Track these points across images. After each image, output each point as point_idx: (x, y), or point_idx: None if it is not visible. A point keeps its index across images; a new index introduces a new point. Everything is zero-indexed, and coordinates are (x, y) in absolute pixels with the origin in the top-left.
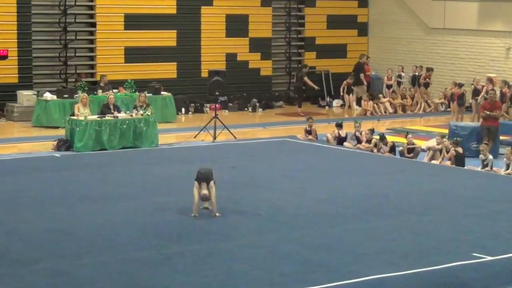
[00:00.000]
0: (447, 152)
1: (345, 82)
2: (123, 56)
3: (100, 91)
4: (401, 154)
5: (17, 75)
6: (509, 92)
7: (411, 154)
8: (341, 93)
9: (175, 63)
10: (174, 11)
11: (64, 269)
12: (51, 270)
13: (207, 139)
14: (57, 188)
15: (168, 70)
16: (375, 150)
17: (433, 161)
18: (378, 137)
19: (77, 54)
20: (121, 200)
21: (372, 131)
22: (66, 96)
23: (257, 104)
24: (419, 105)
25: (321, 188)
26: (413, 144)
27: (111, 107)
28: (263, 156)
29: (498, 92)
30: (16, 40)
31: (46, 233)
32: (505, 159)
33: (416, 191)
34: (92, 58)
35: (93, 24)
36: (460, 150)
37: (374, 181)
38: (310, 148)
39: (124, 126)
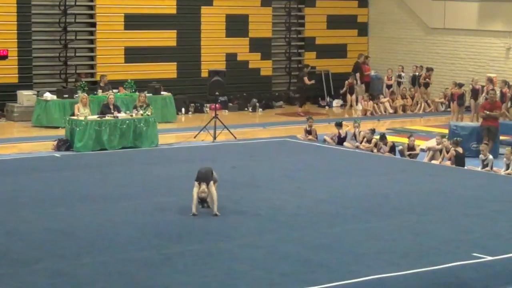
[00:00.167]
0: (447, 152)
1: (347, 82)
2: (123, 56)
3: (100, 91)
4: (401, 153)
5: (17, 75)
6: (509, 92)
7: (411, 154)
8: (345, 92)
9: (175, 63)
10: (174, 11)
11: (64, 269)
12: (51, 270)
13: (207, 139)
14: (57, 188)
15: (168, 70)
16: (375, 150)
17: (433, 161)
18: (378, 137)
19: (77, 54)
20: (121, 200)
21: (373, 131)
22: (66, 96)
23: (257, 104)
24: (419, 105)
25: (321, 188)
26: (413, 146)
27: (111, 107)
28: (263, 156)
29: (498, 92)
30: (16, 40)
31: (46, 233)
32: (505, 159)
33: (416, 191)
34: (92, 58)
35: (93, 24)
36: (460, 150)
37: (374, 181)
38: (310, 148)
39: (124, 126)
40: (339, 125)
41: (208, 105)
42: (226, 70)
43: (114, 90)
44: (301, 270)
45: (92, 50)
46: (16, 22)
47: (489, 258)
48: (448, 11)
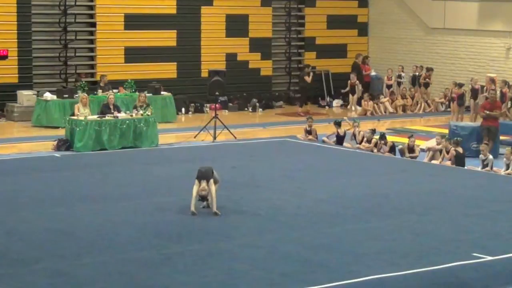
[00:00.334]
0: (447, 152)
1: (349, 82)
2: (123, 56)
3: (100, 91)
4: (401, 152)
5: (17, 75)
6: (509, 92)
7: (412, 154)
8: (348, 92)
9: (175, 63)
10: (174, 11)
11: (64, 269)
12: (51, 270)
13: (207, 139)
14: (57, 188)
15: (168, 70)
16: (375, 150)
17: (433, 161)
18: (378, 137)
19: (77, 54)
20: (121, 200)
21: (373, 131)
22: (66, 96)
23: (257, 104)
24: (419, 105)
25: (321, 188)
26: (413, 147)
27: (111, 107)
28: (263, 156)
29: (498, 92)
30: (16, 40)
31: (46, 233)
32: (505, 159)
33: (416, 191)
34: (92, 58)
35: (93, 24)
36: (460, 150)
37: (374, 181)
38: (310, 148)
39: (124, 126)
40: (338, 124)
41: (208, 105)
42: (226, 70)
43: (114, 90)
44: (301, 270)
45: (92, 50)
46: (16, 22)
47: (489, 258)
48: (448, 11)
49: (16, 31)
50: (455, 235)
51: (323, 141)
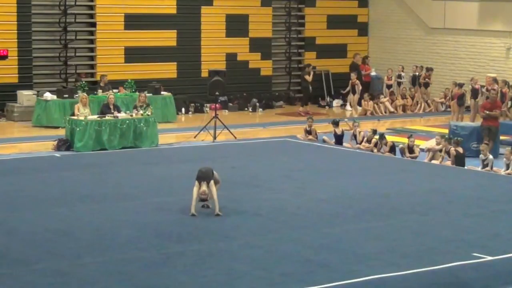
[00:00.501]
0: (446, 152)
1: (350, 81)
2: (123, 56)
3: (100, 91)
4: (402, 151)
5: (17, 75)
6: (510, 92)
7: (412, 155)
8: (348, 91)
9: (175, 63)
10: (174, 11)
11: (64, 269)
12: (51, 270)
13: (207, 139)
14: (57, 188)
15: (168, 70)
16: (375, 150)
17: (433, 161)
18: (378, 136)
19: (77, 54)
20: (121, 200)
21: (375, 131)
22: (66, 96)
23: (257, 104)
24: (419, 105)
25: (321, 188)
26: (413, 147)
27: (111, 107)
28: (263, 156)
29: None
30: (16, 40)
31: (46, 233)
32: (505, 159)
33: (416, 191)
34: (92, 58)
35: (93, 24)
36: (460, 150)
37: (374, 181)
38: (310, 148)
39: (124, 126)
40: (335, 123)
41: (208, 105)
42: (226, 70)
43: (114, 90)
44: (301, 270)
45: (92, 50)
46: (16, 22)
47: (489, 258)
48: (448, 11)
49: (16, 31)
50: (455, 235)
51: (323, 140)
